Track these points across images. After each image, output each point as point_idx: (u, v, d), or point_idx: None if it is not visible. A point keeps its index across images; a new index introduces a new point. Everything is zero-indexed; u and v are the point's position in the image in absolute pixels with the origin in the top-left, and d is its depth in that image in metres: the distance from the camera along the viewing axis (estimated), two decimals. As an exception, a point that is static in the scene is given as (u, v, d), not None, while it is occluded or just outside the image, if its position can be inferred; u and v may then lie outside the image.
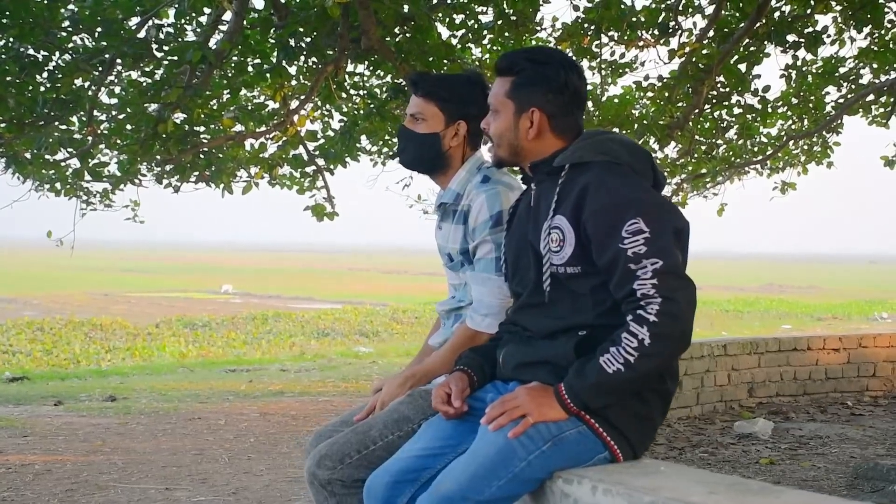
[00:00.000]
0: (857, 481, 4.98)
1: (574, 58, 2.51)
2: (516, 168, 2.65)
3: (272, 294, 42.97)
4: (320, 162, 10.32)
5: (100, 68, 8.01)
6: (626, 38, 9.39)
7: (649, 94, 10.03)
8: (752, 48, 8.95)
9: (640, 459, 2.34)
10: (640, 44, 9.62)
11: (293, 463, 6.52)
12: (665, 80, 9.35)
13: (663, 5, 9.53)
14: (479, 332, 2.80)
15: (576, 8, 8.94)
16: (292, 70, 8.91)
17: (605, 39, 9.48)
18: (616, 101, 10.66)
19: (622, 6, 9.07)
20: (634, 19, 9.12)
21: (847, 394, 7.31)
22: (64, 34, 7.90)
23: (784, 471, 4.97)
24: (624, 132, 10.76)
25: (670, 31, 9.31)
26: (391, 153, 11.03)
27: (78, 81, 7.86)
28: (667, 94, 9.69)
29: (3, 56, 7.45)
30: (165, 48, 8.05)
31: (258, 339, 23.10)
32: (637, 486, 2.01)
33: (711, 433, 6.50)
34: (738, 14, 9.23)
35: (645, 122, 10.36)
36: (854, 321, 27.04)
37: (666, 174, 11.47)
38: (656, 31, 9.39)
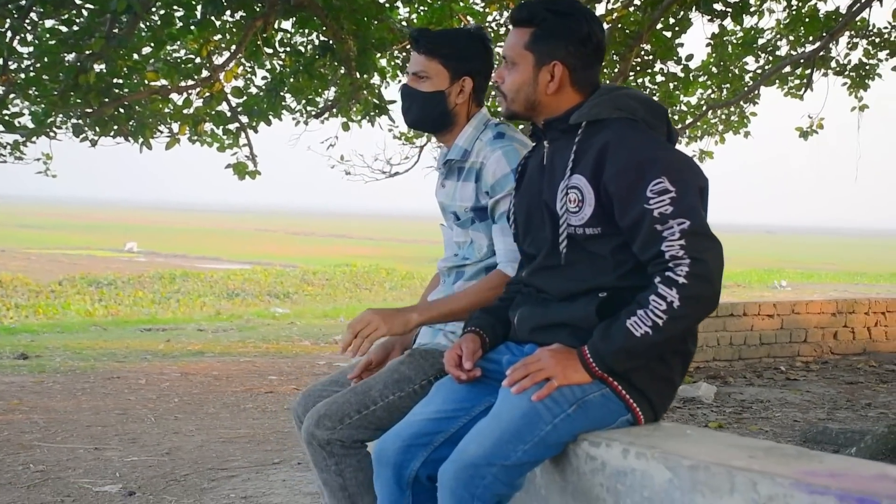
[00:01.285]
0: (808, 444, 5.12)
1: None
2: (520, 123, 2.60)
3: (178, 253, 42.21)
4: (244, 119, 10.11)
5: (15, 14, 7.69)
6: None
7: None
8: (678, 16, 9.04)
9: (660, 422, 2.32)
10: (568, 8, 9.67)
11: (223, 424, 6.45)
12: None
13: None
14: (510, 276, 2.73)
15: (507, -29, 8.92)
16: (219, 24, 8.69)
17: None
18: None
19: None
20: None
21: (780, 359, 7.52)
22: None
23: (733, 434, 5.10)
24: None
25: (598, -4, 9.37)
26: (314, 112, 10.90)
27: (-4, 29, 7.51)
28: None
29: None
30: (87, -5, 7.76)
31: (167, 298, 22.68)
32: (672, 450, 1.98)
33: None
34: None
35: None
36: (756, 289, 27.78)
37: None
38: (584, -3, 9.45)
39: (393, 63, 10.36)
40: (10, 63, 8.33)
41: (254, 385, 8.13)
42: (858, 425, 5.62)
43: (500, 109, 2.54)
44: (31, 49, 8.41)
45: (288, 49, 10.05)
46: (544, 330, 2.34)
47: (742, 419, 5.38)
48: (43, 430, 6.10)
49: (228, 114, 10.01)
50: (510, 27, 2.44)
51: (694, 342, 2.37)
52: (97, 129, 9.15)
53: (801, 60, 10.45)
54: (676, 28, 9.16)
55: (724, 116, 11.89)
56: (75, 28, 7.96)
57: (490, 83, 2.79)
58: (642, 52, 9.77)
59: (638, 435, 2.16)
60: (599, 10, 9.43)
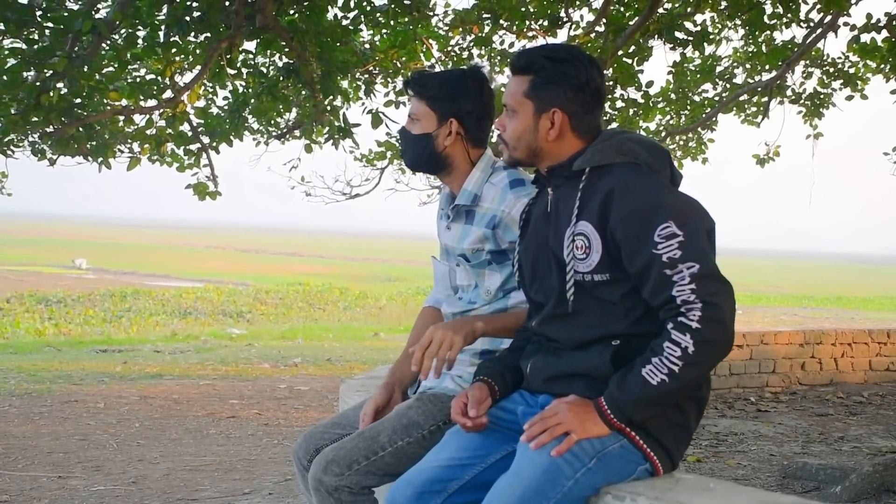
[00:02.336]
0: (787, 481, 5.14)
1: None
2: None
3: (127, 270, 41.73)
4: (205, 139, 10.05)
5: (-24, 33, 7.60)
6: (515, 27, 9.51)
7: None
8: (641, 44, 9.16)
9: (679, 473, 2.30)
10: (530, 34, 9.75)
11: (187, 450, 6.38)
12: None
13: (554, -3, 9.69)
14: None
15: (473, -4, 8.98)
16: (183, 45, 8.64)
17: (492, 27, 9.59)
18: (503, 89, 10.73)
19: (516, -5, 9.18)
20: (524, 9, 9.24)
21: (749, 389, 7.60)
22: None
23: (713, 469, 5.12)
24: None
25: (560, 23, 9.47)
26: (276, 133, 10.89)
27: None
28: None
29: None
30: (49, 15, 7.68)
31: (118, 316, 22.40)
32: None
33: None
34: (623, 9, 9.47)
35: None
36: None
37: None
38: (545, 23, 9.55)
39: (355, 85, 10.37)
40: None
41: (215, 409, 8.04)
42: (835, 460, 5.68)
43: (503, 157, 2.54)
44: (-9, 67, 8.30)
45: (251, 70, 10.03)
46: (559, 380, 2.32)
47: (719, 453, 5.43)
48: (2, 456, 5.99)
49: (190, 134, 9.95)
50: (509, 75, 2.45)
51: (708, 387, 2.37)
52: (57, 148, 9.04)
53: (758, 89, 10.65)
54: (638, 56, 9.27)
55: (682, 143, 12.04)
56: (37, 47, 7.87)
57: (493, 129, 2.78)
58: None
59: (662, 489, 2.14)
60: (562, 35, 9.53)
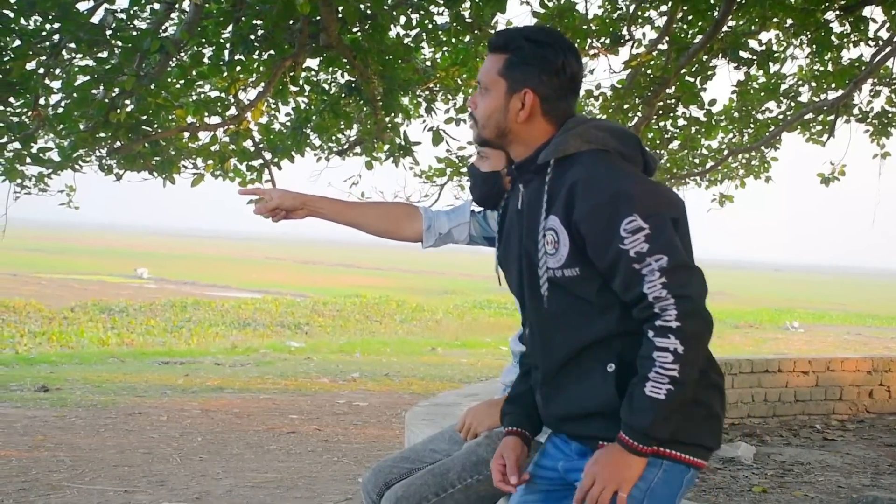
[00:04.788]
0: None
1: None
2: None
3: (188, 280, 42.28)
4: (267, 155, 10.18)
5: (49, 52, 7.78)
6: (577, 45, 9.49)
7: (599, 102, 10.13)
8: (704, 63, 9.09)
9: None
10: (592, 52, 9.73)
11: (248, 466, 6.44)
12: (617, 90, 9.45)
13: (615, 14, 9.67)
14: None
15: (535, 14, 8.98)
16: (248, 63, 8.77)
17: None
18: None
19: (575, 14, 9.18)
20: (585, 27, 9.22)
21: (815, 417, 7.44)
22: (12, 15, 7.65)
23: (779, 500, 5.03)
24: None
25: (622, 41, 9.44)
26: (337, 149, 10.98)
27: (30, 65, 7.60)
28: (616, 104, 9.79)
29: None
30: (120, 35, 7.85)
31: (179, 327, 22.71)
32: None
33: None
34: (686, 27, 9.41)
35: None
36: (768, 330, 27.73)
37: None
38: (608, 41, 9.52)
39: (416, 103, 10.42)
40: (40, 99, 8.43)
41: (275, 424, 8.11)
42: (906, 493, 5.53)
43: (472, 136, 2.48)
44: (62, 85, 8.50)
45: (313, 87, 10.14)
46: (574, 422, 2.28)
47: (785, 483, 5.32)
48: (70, 469, 6.10)
49: (253, 150, 10.09)
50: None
51: (714, 369, 2.28)
52: (125, 164, 9.22)
53: (824, 107, 10.50)
54: (701, 75, 9.20)
55: (745, 161, 11.92)
56: (107, 66, 8.04)
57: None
58: (665, 97, 9.82)
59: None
60: (623, 54, 9.52)
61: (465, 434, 2.86)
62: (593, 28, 9.37)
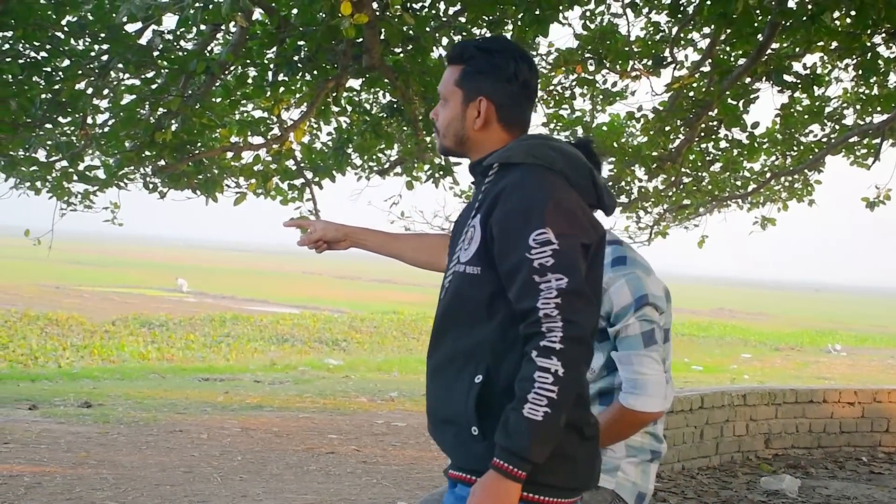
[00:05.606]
0: None
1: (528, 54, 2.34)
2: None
3: (226, 294, 42.55)
4: (309, 175, 10.26)
5: (97, 72, 7.91)
6: (618, 66, 9.49)
7: (640, 123, 10.12)
8: (748, 86, 9.05)
9: None
10: (634, 74, 9.73)
11: (289, 487, 6.46)
12: (659, 112, 9.42)
13: (658, 37, 9.66)
14: (641, 411, 2.70)
15: (577, 37, 9.00)
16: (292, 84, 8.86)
17: (596, 67, 9.58)
18: (605, 128, 10.73)
19: (617, 36, 9.18)
20: (627, 49, 9.21)
21: (860, 448, 7.35)
22: (62, 36, 7.79)
23: None
24: (611, 161, 10.86)
25: (664, 63, 9.42)
26: (378, 169, 11.03)
27: (80, 86, 7.74)
28: (658, 126, 9.77)
29: (8, 58, 7.32)
30: (166, 55, 7.97)
31: (217, 342, 22.86)
32: None
33: (738, 488, 6.50)
34: (729, 49, 9.36)
35: (629, 149, 10.47)
36: (810, 353, 27.40)
37: (649, 203, 11.65)
38: (650, 62, 9.51)
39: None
40: (88, 118, 8.58)
41: (314, 444, 8.14)
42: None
43: (436, 145, 2.55)
44: (109, 105, 8.63)
45: (355, 108, 10.21)
46: (434, 423, 2.29)
47: (832, 520, 5.26)
48: (113, 487, 6.15)
49: (294, 169, 10.17)
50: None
51: (583, 414, 2.24)
52: (169, 183, 9.33)
53: (869, 131, 10.39)
54: (744, 98, 9.15)
55: (787, 184, 11.83)
56: (153, 86, 8.16)
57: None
58: (708, 119, 9.78)
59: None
60: (665, 76, 9.47)
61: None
62: (635, 50, 9.38)
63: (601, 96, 10.33)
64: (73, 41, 7.88)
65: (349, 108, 10.14)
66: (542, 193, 2.15)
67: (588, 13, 9.12)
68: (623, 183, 11.04)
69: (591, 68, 9.59)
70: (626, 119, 10.55)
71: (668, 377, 2.83)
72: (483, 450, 2.13)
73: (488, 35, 8.75)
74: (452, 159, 9.77)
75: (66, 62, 7.88)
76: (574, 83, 10.11)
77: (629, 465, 2.82)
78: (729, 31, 8.23)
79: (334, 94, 9.08)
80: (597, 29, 9.20)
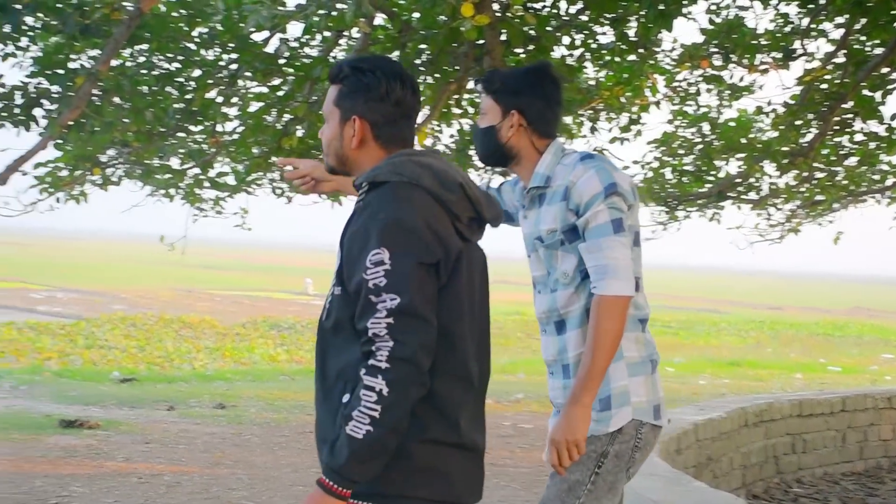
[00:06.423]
0: None
1: (401, 68, 2.38)
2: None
3: (353, 297, 43.20)
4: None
5: (227, 81, 8.13)
6: (746, 60, 9.24)
7: (770, 118, 9.84)
8: (885, 76, 8.69)
9: None
10: (762, 67, 9.45)
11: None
12: (790, 106, 9.14)
13: (787, 28, 9.36)
14: (614, 296, 2.64)
15: (703, 31, 8.80)
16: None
17: (722, 62, 9.35)
18: (732, 124, 10.48)
19: (744, 29, 8.93)
20: (755, 42, 8.96)
21: None
22: (194, 47, 8.04)
23: None
24: (740, 157, 10.60)
25: (794, 55, 9.13)
26: (500, 169, 11.01)
27: (210, 95, 7.97)
28: (789, 121, 9.48)
29: (143, 71, 7.60)
30: (292, 63, 8.14)
31: (343, 344, 23.22)
32: None
33: (886, 495, 6.28)
34: (865, 39, 9.01)
35: (758, 145, 10.20)
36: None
37: (780, 200, 11.31)
38: (779, 55, 9.23)
39: (578, 122, 10.34)
40: (217, 126, 8.83)
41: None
42: None
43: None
44: (238, 113, 8.87)
45: (477, 109, 10.23)
46: (317, 445, 2.25)
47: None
48: (248, 487, 6.30)
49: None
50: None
51: (448, 428, 2.21)
52: (297, 189, 9.52)
53: None
54: (882, 89, 8.80)
55: (929, 176, 11.33)
56: (279, 93, 8.34)
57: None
58: (842, 112, 9.45)
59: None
60: (796, 69, 9.20)
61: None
62: (763, 43, 9.11)
63: (728, 91, 10.09)
64: (203, 52, 8.13)
65: (471, 110, 10.16)
66: (383, 213, 2.16)
67: (713, 7, 8.91)
68: (753, 179, 10.76)
69: (718, 63, 9.38)
70: (755, 114, 10.28)
71: (639, 285, 2.79)
72: None
73: (607, 28, 8.64)
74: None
75: (197, 72, 8.14)
76: (699, 79, 9.91)
77: (637, 385, 2.77)
78: (864, 20, 7.94)
79: (456, 97, 9.11)
80: (723, 23, 8.97)
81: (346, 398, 2.14)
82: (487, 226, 2.39)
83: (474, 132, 2.99)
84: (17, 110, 7.48)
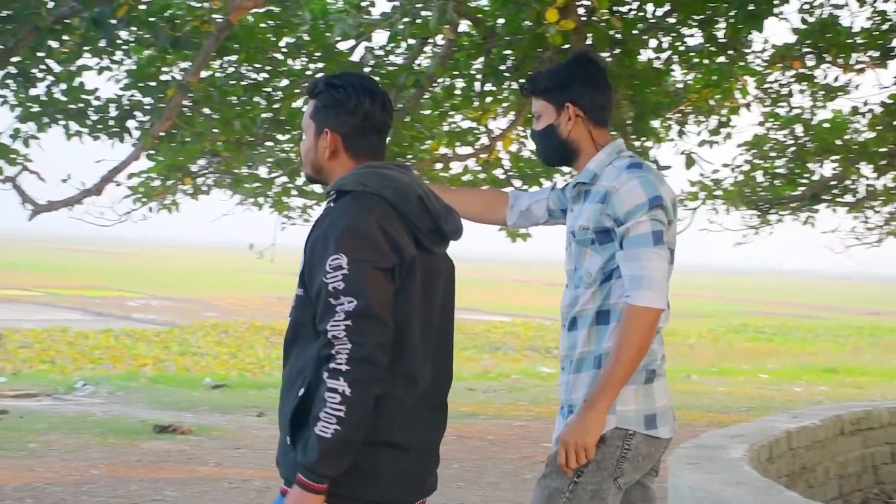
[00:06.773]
0: None
1: (379, 85, 2.55)
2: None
3: (438, 303, 43.32)
4: (517, 183, 10.28)
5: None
6: (840, 60, 9.00)
7: (866, 119, 9.59)
8: None
9: None
10: (858, 67, 9.20)
11: (505, 496, 6.47)
12: (888, 106, 8.88)
13: (885, 26, 9.09)
14: (645, 307, 2.63)
15: (796, 31, 8.60)
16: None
17: (815, 62, 9.13)
18: (827, 125, 10.24)
19: (838, 28, 8.70)
20: (850, 41, 8.72)
21: None
22: (281, 57, 8.15)
23: None
24: (835, 159, 10.34)
25: (892, 53, 8.86)
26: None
27: (296, 104, 8.07)
28: (886, 121, 9.22)
29: (232, 81, 7.73)
30: (377, 70, 8.19)
31: (430, 350, 23.30)
32: None
33: None
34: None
35: (854, 146, 9.95)
36: None
37: (878, 202, 11.00)
38: (876, 54, 8.96)
39: (666, 125, 10.19)
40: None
41: (530, 452, 8.12)
42: None
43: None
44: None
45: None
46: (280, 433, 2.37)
47: None
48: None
49: (503, 178, 10.22)
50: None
51: (399, 430, 2.32)
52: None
53: None
54: None
55: None
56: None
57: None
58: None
59: None
60: (894, 68, 8.91)
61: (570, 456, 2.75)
62: (859, 42, 8.86)
63: (822, 92, 9.86)
64: (290, 61, 8.25)
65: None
66: (343, 221, 2.28)
67: (806, 6, 8.69)
68: (848, 182, 10.49)
69: (811, 63, 9.16)
70: (850, 115, 10.02)
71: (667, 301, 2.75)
72: (293, 460, 2.25)
73: (695, 30, 8.50)
74: (662, 161, 9.55)
75: (285, 82, 8.25)
76: (792, 79, 9.69)
77: (626, 394, 2.70)
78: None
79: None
80: (816, 22, 8.76)
81: (301, 391, 2.26)
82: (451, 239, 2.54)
83: (533, 137, 2.99)
84: (111, 122, 7.70)
